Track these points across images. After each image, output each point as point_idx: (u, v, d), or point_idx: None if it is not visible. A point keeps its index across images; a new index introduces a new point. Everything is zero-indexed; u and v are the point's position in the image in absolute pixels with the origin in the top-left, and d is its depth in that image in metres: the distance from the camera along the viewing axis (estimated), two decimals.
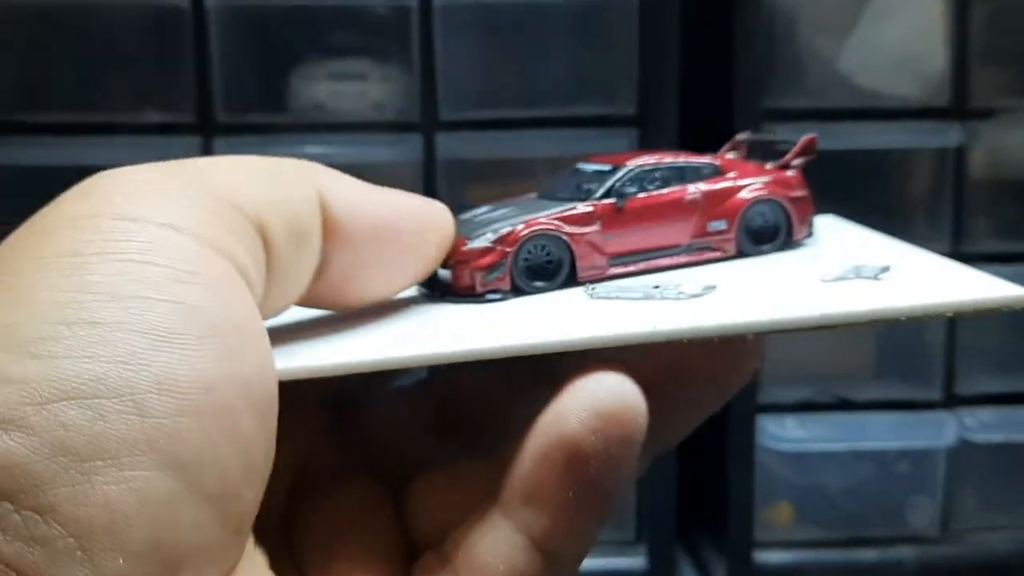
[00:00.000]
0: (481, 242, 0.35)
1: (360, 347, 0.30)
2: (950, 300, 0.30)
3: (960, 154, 1.00)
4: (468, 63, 0.98)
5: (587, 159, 0.40)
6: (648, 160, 0.38)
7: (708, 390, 0.33)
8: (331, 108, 0.98)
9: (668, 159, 0.39)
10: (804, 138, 0.41)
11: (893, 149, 0.99)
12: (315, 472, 0.34)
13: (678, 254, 0.37)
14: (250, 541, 0.27)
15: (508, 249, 0.35)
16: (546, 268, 0.36)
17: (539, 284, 0.35)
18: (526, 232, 0.35)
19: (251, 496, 0.26)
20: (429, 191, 0.98)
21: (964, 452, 1.02)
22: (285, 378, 0.27)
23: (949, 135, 0.99)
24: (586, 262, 0.36)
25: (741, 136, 0.44)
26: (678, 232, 0.38)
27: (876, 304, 0.30)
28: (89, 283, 0.24)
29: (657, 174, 0.38)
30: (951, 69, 0.98)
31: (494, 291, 0.35)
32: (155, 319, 0.24)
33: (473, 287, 0.35)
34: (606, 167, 0.38)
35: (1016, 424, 1.01)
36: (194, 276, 0.25)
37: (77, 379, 0.23)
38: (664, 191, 0.38)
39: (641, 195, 0.37)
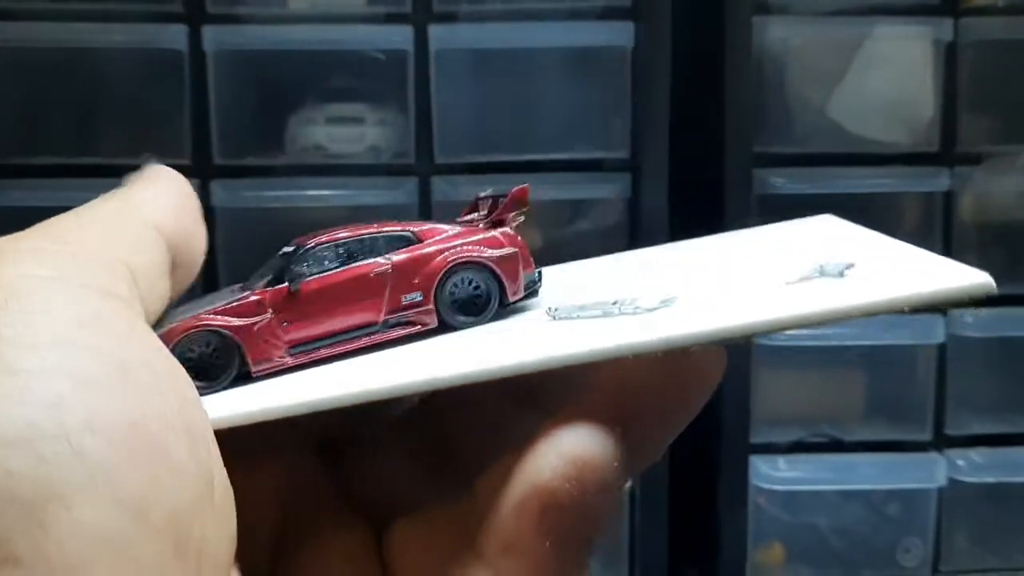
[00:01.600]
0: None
1: (327, 382, 0.30)
2: (909, 293, 0.29)
3: (949, 199, 1.01)
4: (463, 108, 0.99)
5: (295, 241, 0.36)
6: (330, 235, 0.35)
7: (674, 405, 0.32)
8: (328, 151, 0.99)
9: (353, 233, 0.36)
10: (514, 189, 0.37)
11: (882, 194, 1.00)
12: (302, 515, 0.34)
13: (372, 333, 0.34)
14: None
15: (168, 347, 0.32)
16: (213, 365, 0.33)
17: (198, 384, 0.31)
18: (182, 329, 0.32)
19: (209, 531, 0.26)
20: None
21: (955, 493, 1.02)
22: (219, 426, 0.28)
23: (938, 180, 1.00)
24: (257, 354, 0.33)
25: (483, 194, 0.40)
26: (369, 310, 0.35)
27: (831, 304, 0.29)
28: (5, 335, 0.24)
29: (340, 250, 0.35)
30: (940, 115, 1.00)
31: None
32: (72, 364, 0.24)
33: None
34: (290, 248, 0.36)
35: (1006, 465, 1.02)
36: (96, 320, 0.26)
37: (12, 425, 0.23)
38: (347, 267, 0.35)
39: (318, 274, 0.34)
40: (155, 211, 0.32)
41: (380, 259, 0.35)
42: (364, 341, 0.34)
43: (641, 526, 1.00)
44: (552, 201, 1.00)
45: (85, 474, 0.23)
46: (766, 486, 1.01)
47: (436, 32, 0.97)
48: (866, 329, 1.01)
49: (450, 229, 0.37)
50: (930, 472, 1.02)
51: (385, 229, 0.36)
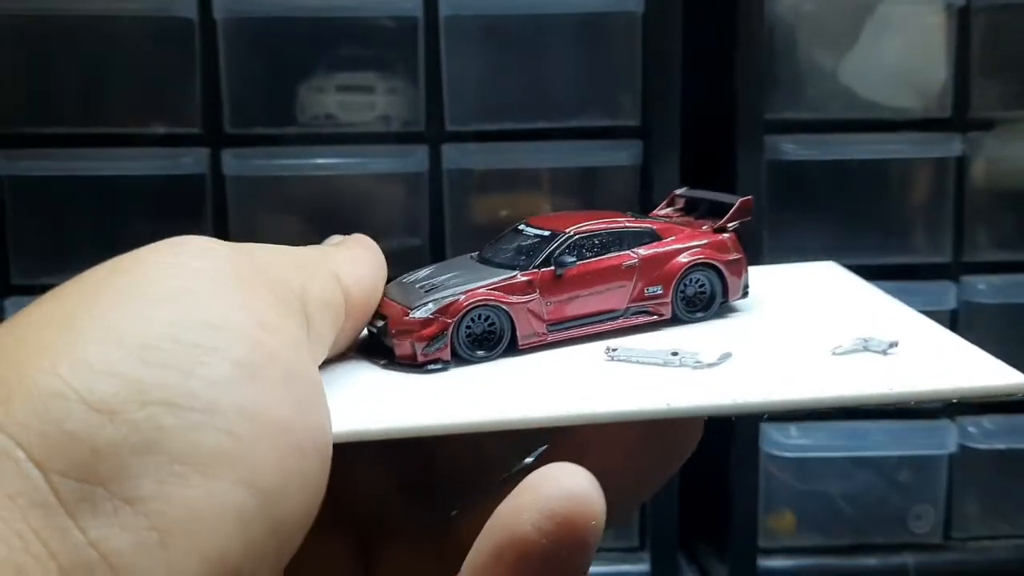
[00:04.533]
0: (423, 312, 0.36)
1: (398, 413, 0.31)
2: (958, 386, 0.31)
3: (961, 164, 1.01)
4: (473, 75, 0.99)
5: (528, 221, 0.41)
6: (586, 226, 0.39)
7: (655, 471, 0.34)
8: (338, 120, 0.99)
9: (606, 225, 0.40)
10: (740, 200, 0.41)
11: (894, 159, 1.00)
12: None
13: (616, 318, 0.38)
14: None
15: (450, 320, 0.36)
16: (487, 337, 0.36)
17: (480, 353, 0.36)
18: (468, 303, 0.36)
19: (298, 543, 0.27)
20: (435, 201, 0.99)
21: (966, 459, 1.02)
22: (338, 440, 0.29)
23: (950, 146, 1.00)
24: (525, 330, 0.37)
25: (680, 191, 0.45)
26: (617, 297, 0.38)
27: (886, 388, 0.31)
28: (192, 311, 0.26)
29: (596, 240, 0.39)
30: (952, 81, 0.99)
31: (435, 361, 0.35)
32: (244, 354, 0.26)
33: (414, 356, 0.35)
34: (545, 232, 0.39)
35: (1018, 432, 1.02)
36: (277, 329, 0.28)
37: (177, 389, 0.24)
38: (602, 257, 0.39)
39: (580, 262, 0.38)
40: (347, 277, 0.34)
41: (630, 252, 0.39)
42: (609, 325, 0.38)
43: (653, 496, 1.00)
44: (562, 169, 1.00)
45: (231, 452, 0.25)
46: (778, 453, 1.01)
47: None
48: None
49: (684, 229, 0.41)
50: (941, 439, 1.02)
51: (631, 224, 0.40)
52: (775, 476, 1.02)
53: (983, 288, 1.01)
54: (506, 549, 0.27)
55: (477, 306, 0.36)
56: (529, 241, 0.39)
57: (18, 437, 0.23)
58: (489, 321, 0.36)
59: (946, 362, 0.33)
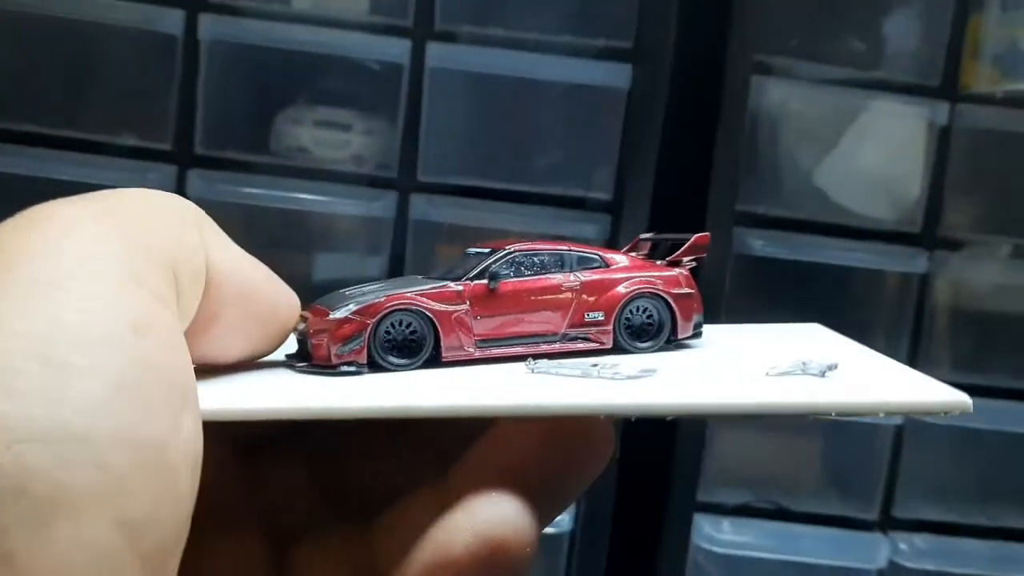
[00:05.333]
0: (342, 312, 0.34)
1: (280, 396, 0.30)
2: (886, 400, 0.30)
3: (925, 281, 1.01)
4: (452, 129, 0.99)
5: (474, 244, 0.39)
6: (529, 245, 0.38)
7: (572, 480, 0.32)
8: (312, 154, 0.98)
9: (551, 246, 0.38)
10: (696, 236, 0.40)
11: (858, 268, 1.00)
12: (207, 515, 0.33)
13: (552, 342, 0.36)
14: None
15: (368, 321, 0.34)
16: (409, 344, 0.35)
17: (397, 361, 0.34)
18: (388, 305, 0.34)
19: (175, 564, 0.25)
20: (398, 248, 0.98)
21: None
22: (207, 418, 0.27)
23: (916, 261, 1.00)
24: (451, 341, 0.35)
25: (645, 236, 0.44)
26: (553, 320, 0.37)
27: (805, 398, 0.30)
28: (63, 321, 0.23)
29: (536, 259, 0.38)
30: (925, 197, 1.00)
31: (349, 363, 0.34)
32: (120, 370, 0.24)
33: (329, 358, 0.34)
34: (485, 250, 0.38)
35: (948, 554, 1.02)
36: (151, 328, 0.25)
37: (45, 421, 0.22)
38: (541, 277, 0.37)
39: (516, 279, 0.37)
40: (213, 235, 0.31)
41: (572, 275, 0.38)
42: (544, 348, 0.36)
43: (578, 572, 0.99)
44: (530, 233, 1.00)
45: (100, 488, 0.23)
46: (707, 546, 1.00)
47: (434, 49, 0.96)
48: None
49: (635, 258, 0.40)
50: (872, 552, 1.01)
51: (578, 248, 0.39)
52: (704, 569, 1.01)
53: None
54: (437, 570, 0.27)
55: (398, 309, 0.34)
56: (470, 258, 0.38)
57: None
58: (411, 328, 0.35)
59: (886, 381, 0.32)
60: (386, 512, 0.31)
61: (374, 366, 0.34)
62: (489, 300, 0.36)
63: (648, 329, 0.38)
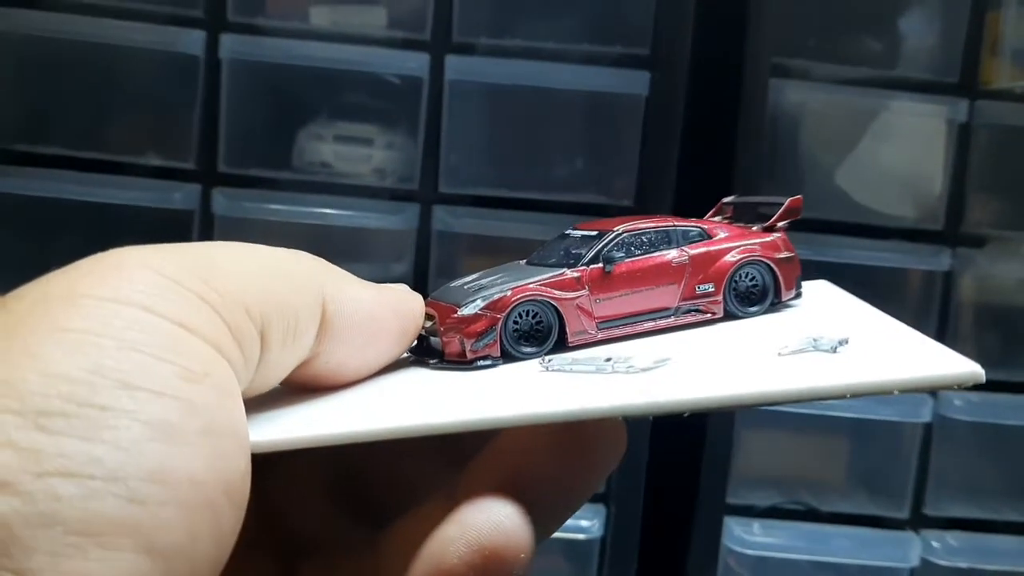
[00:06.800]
0: (471, 309, 0.36)
1: (300, 422, 0.31)
2: (899, 378, 0.29)
3: (949, 278, 1.01)
4: (472, 140, 0.99)
5: (575, 226, 0.40)
6: (635, 224, 0.39)
7: (577, 486, 0.32)
8: (334, 169, 0.99)
9: (655, 223, 0.39)
10: (789, 200, 0.41)
11: (882, 267, 1.00)
12: None
13: (667, 317, 0.38)
14: None
15: (498, 315, 0.35)
16: (536, 333, 0.36)
17: (528, 350, 0.36)
18: (516, 298, 0.36)
19: None
20: (421, 260, 0.99)
21: (927, 574, 1.01)
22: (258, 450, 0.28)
23: (939, 259, 1.00)
24: (575, 327, 0.36)
25: (728, 199, 0.45)
26: (667, 295, 0.38)
27: (820, 382, 0.29)
28: (105, 368, 0.25)
29: (644, 238, 0.39)
30: (947, 194, 1.00)
31: (484, 357, 0.35)
32: (160, 413, 0.25)
33: (463, 353, 0.35)
34: (593, 232, 0.39)
35: (981, 551, 1.01)
36: (203, 378, 0.26)
37: (78, 458, 0.23)
38: (651, 255, 0.38)
39: (628, 259, 0.38)
40: (337, 280, 0.32)
41: (680, 250, 0.39)
42: (661, 323, 0.38)
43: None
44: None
45: (130, 519, 0.24)
46: (738, 549, 1.00)
47: (452, 62, 0.97)
48: (855, 401, 1.00)
49: (734, 228, 0.41)
50: (904, 551, 1.01)
51: (680, 223, 0.40)
52: (734, 571, 1.01)
53: (959, 404, 1.00)
54: None
55: (524, 301, 0.36)
56: (577, 242, 0.39)
57: None
58: (536, 318, 0.36)
59: (898, 355, 0.32)
60: (395, 523, 0.32)
61: (506, 356, 0.35)
62: (606, 282, 0.37)
63: (754, 294, 0.39)
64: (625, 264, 0.38)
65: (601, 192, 1.00)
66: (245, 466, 0.27)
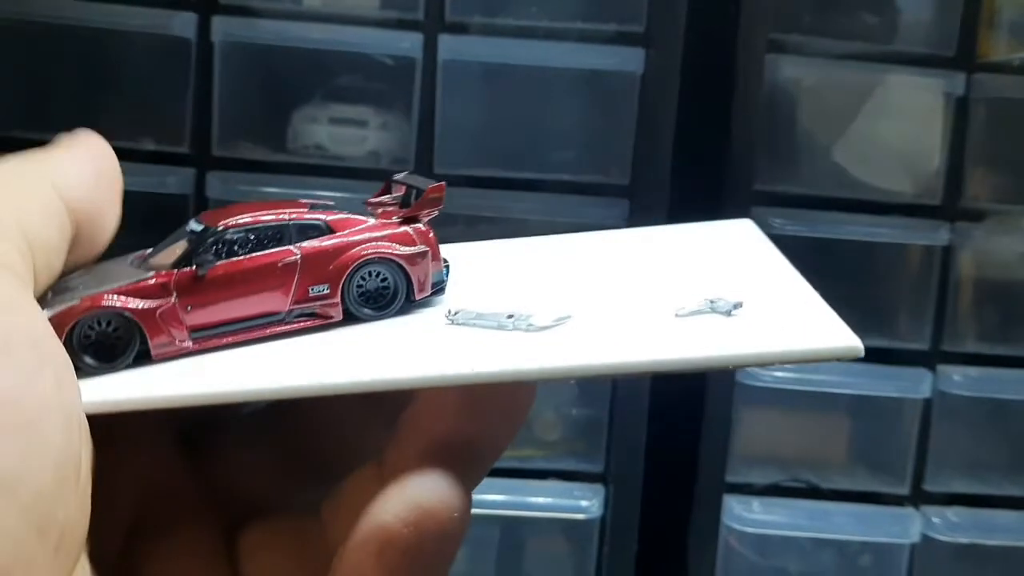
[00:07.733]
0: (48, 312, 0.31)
1: (182, 382, 0.31)
2: (780, 350, 0.30)
3: (948, 253, 1.00)
4: (466, 120, 0.99)
5: (200, 216, 0.36)
6: (241, 220, 0.35)
7: (499, 438, 0.33)
8: (328, 151, 0.98)
9: (267, 218, 0.35)
10: (429, 187, 0.37)
11: (881, 243, 0.99)
12: (157, 506, 0.33)
13: (277, 323, 0.34)
14: (84, 571, 0.28)
15: (63, 329, 0.31)
16: (113, 345, 0.32)
17: (92, 363, 0.31)
18: (83, 309, 0.31)
19: (70, 514, 0.26)
20: None
21: (928, 550, 1.01)
22: (91, 411, 0.28)
23: (938, 234, 0.99)
24: (160, 339, 0.32)
25: (397, 177, 0.40)
26: (274, 299, 0.34)
27: (706, 352, 0.30)
28: None
29: (251, 235, 0.34)
30: (945, 169, 0.99)
31: None
32: None
33: None
34: (199, 227, 0.35)
35: (982, 526, 1.01)
36: None
37: None
38: (256, 254, 0.34)
39: (228, 260, 0.34)
40: (66, 181, 0.32)
41: (290, 248, 0.35)
42: (267, 331, 0.34)
43: (609, 557, 0.99)
44: (547, 222, 0.99)
45: None
46: (738, 527, 1.00)
47: (446, 42, 0.96)
48: (853, 377, 1.00)
49: (363, 221, 0.37)
50: (905, 527, 1.01)
51: (296, 216, 0.35)
52: (734, 549, 1.01)
53: (959, 379, 1.00)
54: (370, 540, 0.28)
55: (94, 311, 0.31)
56: (182, 235, 0.35)
57: None
58: (113, 327, 0.32)
59: (780, 325, 0.32)
60: (339, 485, 0.32)
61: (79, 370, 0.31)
62: (199, 287, 0.33)
63: (384, 294, 0.36)
64: (222, 265, 0.34)
65: (597, 171, 0.99)
66: (57, 375, 0.26)
